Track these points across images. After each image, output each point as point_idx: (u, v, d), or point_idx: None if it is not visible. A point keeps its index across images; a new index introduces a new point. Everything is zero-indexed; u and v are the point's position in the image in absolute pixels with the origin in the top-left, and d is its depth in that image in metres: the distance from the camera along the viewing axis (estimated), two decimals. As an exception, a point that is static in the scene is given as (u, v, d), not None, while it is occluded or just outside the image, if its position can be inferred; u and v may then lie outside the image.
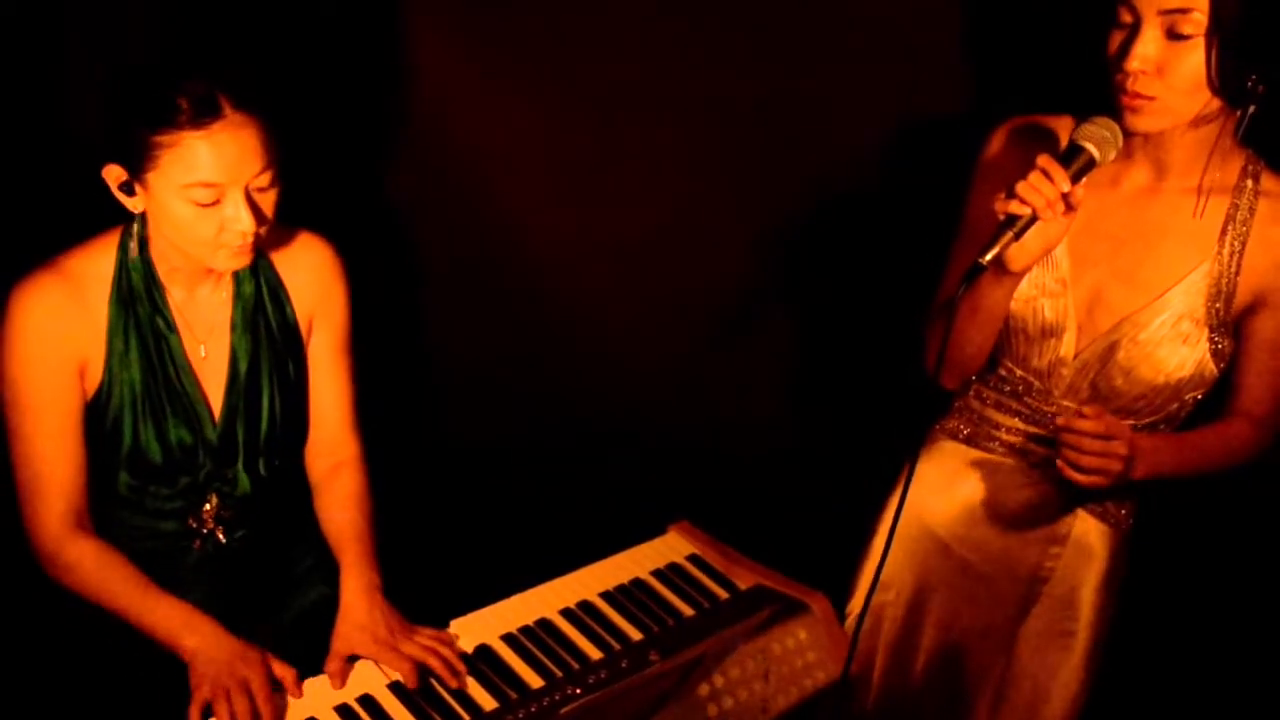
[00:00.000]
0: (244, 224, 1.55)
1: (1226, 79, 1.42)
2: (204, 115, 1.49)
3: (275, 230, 1.72)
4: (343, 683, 1.62)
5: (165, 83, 1.52)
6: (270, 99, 1.57)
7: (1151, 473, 1.59)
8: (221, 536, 1.77)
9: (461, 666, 1.65)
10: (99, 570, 1.64)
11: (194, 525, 1.75)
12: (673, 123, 2.22)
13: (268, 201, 1.59)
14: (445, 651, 1.65)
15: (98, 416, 1.67)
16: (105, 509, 1.72)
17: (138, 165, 1.54)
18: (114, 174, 1.58)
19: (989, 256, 1.42)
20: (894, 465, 1.91)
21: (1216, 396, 1.68)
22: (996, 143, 1.68)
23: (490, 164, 2.26)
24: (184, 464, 1.71)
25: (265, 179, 1.56)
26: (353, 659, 1.65)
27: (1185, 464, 1.64)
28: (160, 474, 1.70)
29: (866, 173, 2.20)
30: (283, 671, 1.58)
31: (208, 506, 1.75)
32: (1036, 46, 1.96)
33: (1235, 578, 2.02)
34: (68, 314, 1.62)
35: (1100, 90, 1.54)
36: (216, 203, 1.53)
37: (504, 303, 2.39)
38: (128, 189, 1.58)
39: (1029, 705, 1.80)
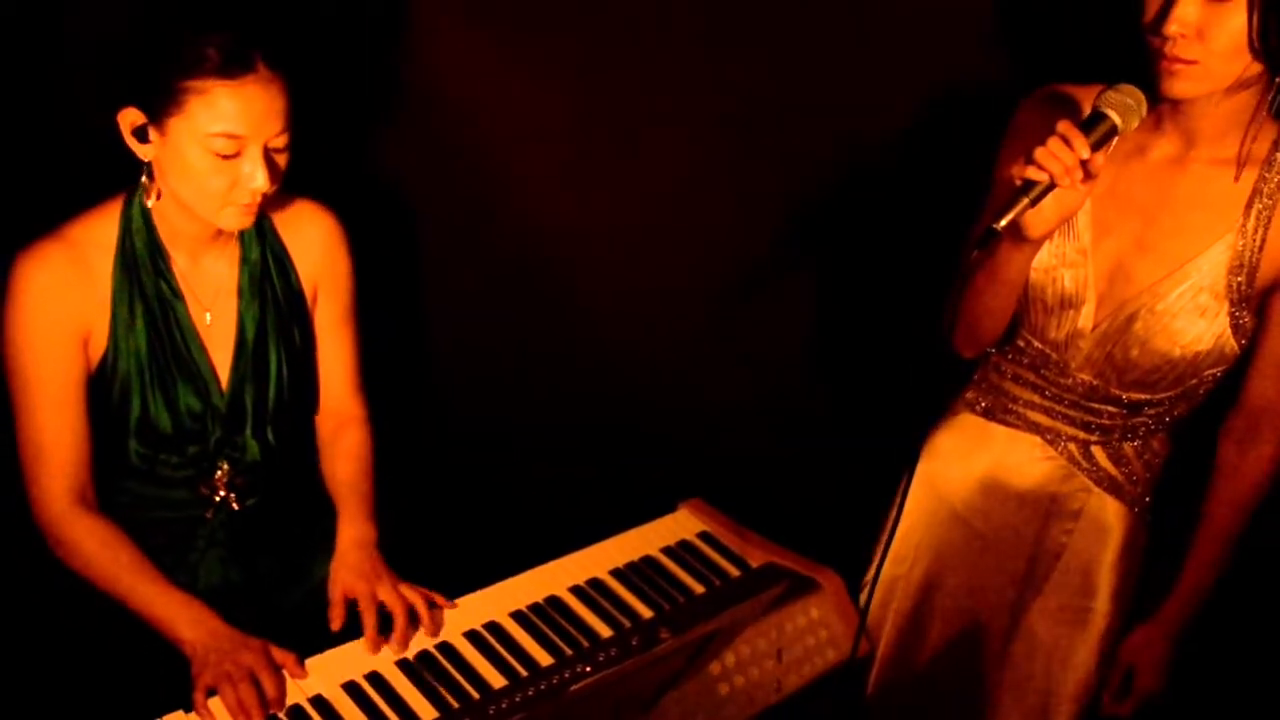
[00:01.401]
0: (258, 181, 1.55)
1: (1269, 40, 1.38)
2: (237, 67, 1.51)
3: (279, 197, 1.73)
4: (341, 624, 1.68)
5: (201, 30, 1.52)
6: (298, 61, 1.58)
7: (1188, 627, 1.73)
8: (234, 504, 1.76)
9: (409, 632, 1.64)
10: (101, 551, 1.63)
11: (205, 493, 1.74)
12: (678, 110, 2.18)
13: (281, 162, 1.59)
14: (420, 607, 1.66)
15: (104, 386, 1.65)
16: (116, 479, 1.71)
17: (161, 109, 1.53)
18: (130, 118, 1.57)
19: (1004, 222, 1.40)
20: (912, 439, 1.89)
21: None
22: (1026, 111, 1.65)
23: (496, 148, 2.23)
24: (193, 432, 1.70)
25: (283, 140, 1.58)
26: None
27: (1211, 584, 1.73)
28: (170, 442, 1.69)
29: (878, 148, 2.16)
30: (283, 657, 1.58)
31: (219, 474, 1.74)
32: (1069, 14, 1.91)
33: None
34: (71, 283, 1.61)
35: (1134, 59, 1.49)
36: (236, 155, 1.54)
37: (510, 285, 2.36)
38: (141, 134, 1.57)
39: (1042, 682, 1.78)
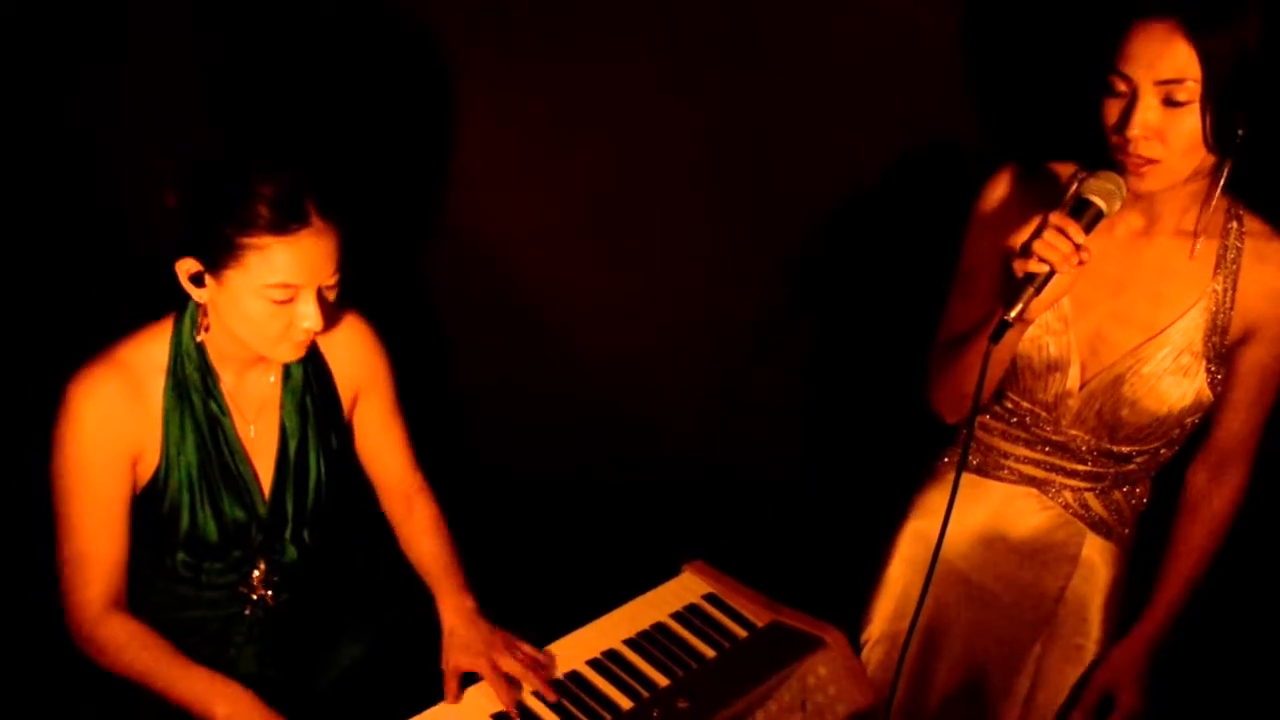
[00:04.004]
0: (312, 321, 1.60)
1: (1221, 135, 1.49)
2: (292, 221, 1.54)
3: None
4: (457, 699, 1.76)
5: (255, 185, 1.54)
6: (351, 206, 1.62)
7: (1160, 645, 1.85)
8: (270, 600, 1.82)
9: (550, 695, 1.76)
10: (131, 649, 1.68)
11: (243, 592, 1.80)
12: (679, 157, 2.29)
13: (331, 298, 1.65)
14: (534, 660, 1.79)
15: (155, 500, 1.70)
16: (157, 583, 1.76)
17: (218, 261, 1.57)
18: (187, 267, 1.61)
19: (1014, 314, 1.49)
20: (901, 494, 1.99)
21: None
22: (992, 191, 1.74)
23: (499, 202, 2.32)
24: (237, 539, 1.76)
25: (335, 278, 1.63)
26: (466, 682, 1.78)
27: (1182, 604, 1.85)
28: (215, 551, 1.74)
29: (870, 201, 2.25)
30: None
31: (256, 574, 1.80)
32: (1031, 90, 2.00)
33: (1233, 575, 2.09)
34: (124, 406, 1.65)
35: (1093, 137, 1.59)
36: (289, 301, 1.58)
37: (513, 338, 2.45)
38: (198, 280, 1.61)
39: (1048, 715, 1.89)
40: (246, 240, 1.53)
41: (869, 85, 2.12)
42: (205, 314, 1.67)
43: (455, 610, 1.86)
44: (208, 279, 1.60)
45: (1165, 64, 1.47)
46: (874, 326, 2.31)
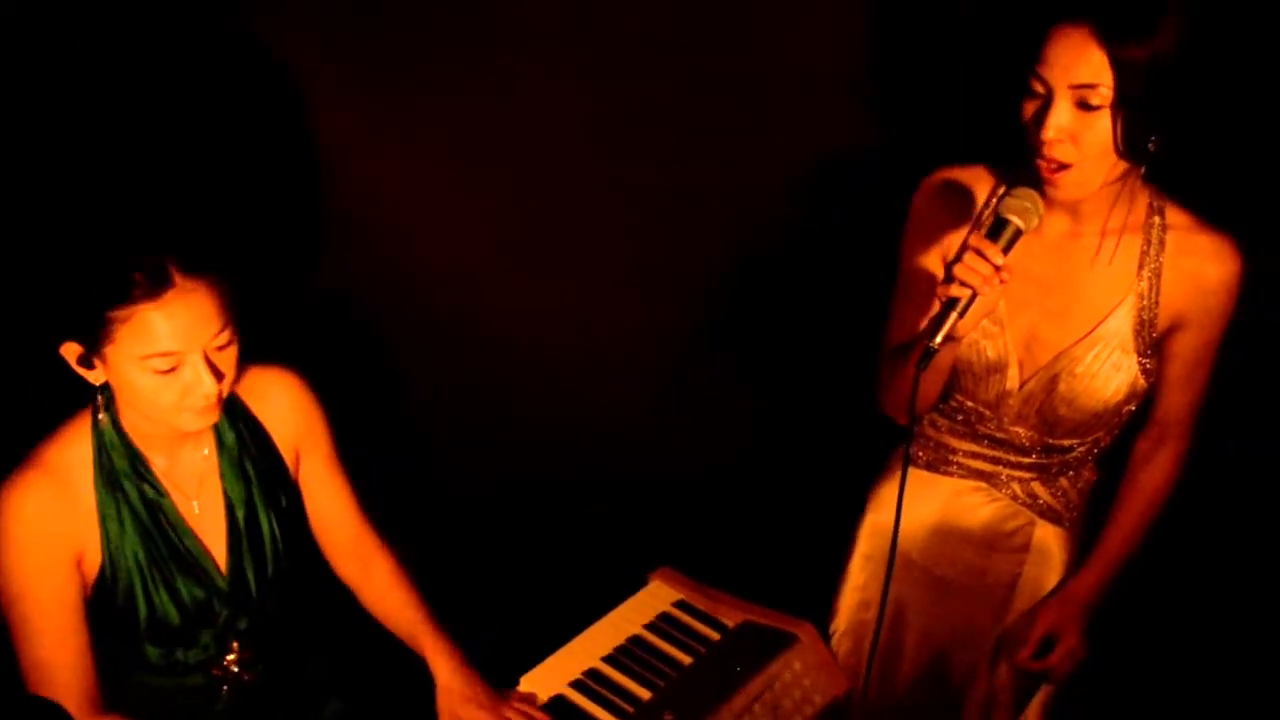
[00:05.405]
0: (206, 386, 1.56)
1: (1131, 143, 1.55)
2: (155, 287, 1.50)
3: (239, 372, 1.73)
4: None
5: (116, 259, 1.51)
6: (217, 260, 1.58)
7: (1100, 598, 1.89)
8: (245, 676, 1.80)
9: None
10: None
11: (219, 675, 1.78)
12: (614, 174, 2.30)
13: (227, 359, 1.60)
14: (539, 716, 1.79)
15: (107, 596, 1.67)
16: (132, 677, 1.74)
17: (94, 341, 1.54)
18: (71, 350, 1.58)
19: (939, 339, 1.54)
20: (859, 489, 2.06)
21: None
22: (921, 200, 1.80)
23: (431, 238, 2.31)
24: (201, 618, 1.73)
25: (223, 337, 1.58)
26: None
27: (1122, 560, 1.91)
28: (181, 634, 1.72)
29: (815, 198, 2.29)
30: None
31: (230, 656, 1.78)
32: (961, 92, 2.05)
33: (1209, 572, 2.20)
34: (57, 509, 1.62)
35: (1013, 141, 1.65)
36: (175, 369, 1.54)
37: (446, 359, 2.45)
38: (86, 363, 1.58)
39: (1013, 695, 1.97)
40: (113, 314, 1.50)
41: (803, 84, 2.16)
42: (109, 398, 1.64)
43: (446, 664, 1.85)
44: (95, 360, 1.57)
45: (1080, 69, 1.52)
46: (820, 325, 2.36)
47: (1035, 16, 1.57)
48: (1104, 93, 1.52)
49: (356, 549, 1.92)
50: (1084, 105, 1.53)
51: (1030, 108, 1.59)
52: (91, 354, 1.55)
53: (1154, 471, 1.89)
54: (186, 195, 2.01)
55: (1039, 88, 1.56)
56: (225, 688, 1.79)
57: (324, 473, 1.88)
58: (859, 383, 1.96)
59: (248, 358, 1.73)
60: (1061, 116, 1.54)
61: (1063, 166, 1.58)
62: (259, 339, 1.74)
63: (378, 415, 2.42)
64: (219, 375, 1.57)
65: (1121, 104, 1.51)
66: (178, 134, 2.20)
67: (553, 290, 2.38)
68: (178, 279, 1.51)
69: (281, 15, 2.23)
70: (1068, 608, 1.93)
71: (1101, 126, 1.54)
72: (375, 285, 2.34)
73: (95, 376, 1.59)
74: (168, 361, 1.52)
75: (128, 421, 1.66)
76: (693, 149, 2.28)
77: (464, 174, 2.29)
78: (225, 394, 1.61)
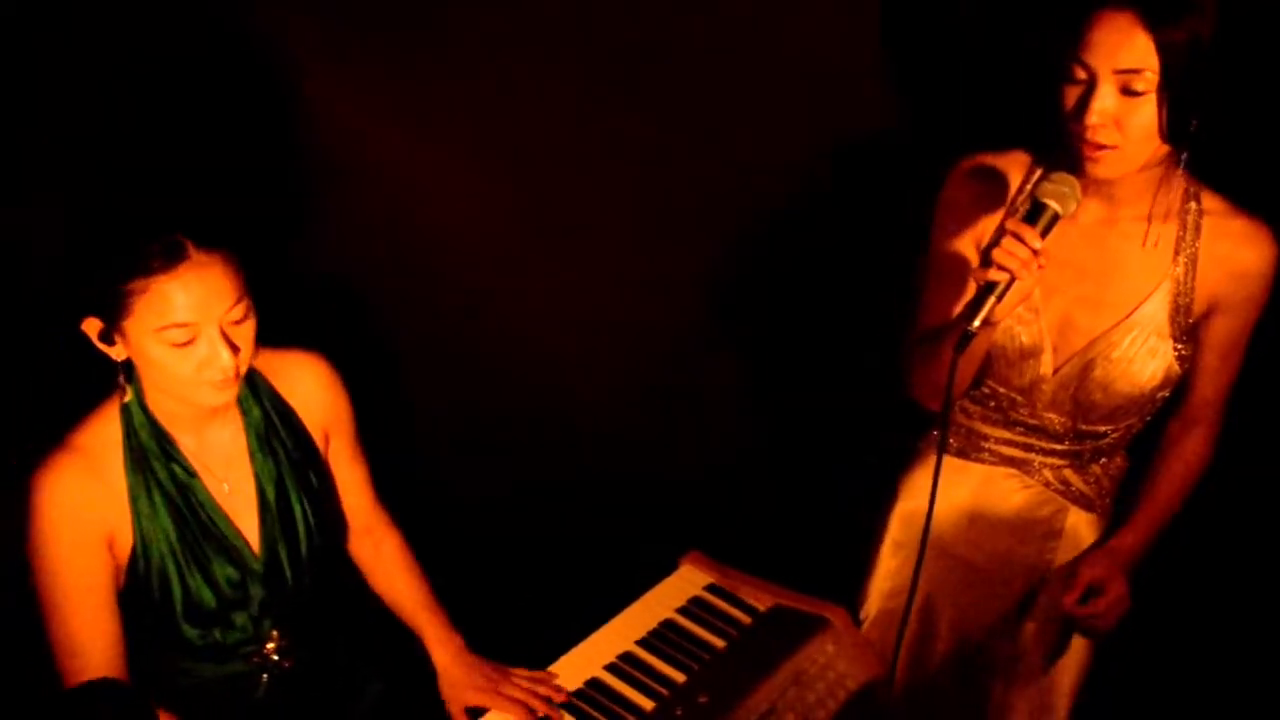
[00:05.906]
0: (222, 360, 1.58)
1: (1174, 126, 1.56)
2: (169, 259, 1.53)
3: (267, 354, 1.76)
4: None
5: (132, 233, 1.54)
6: (231, 233, 1.60)
7: (1140, 561, 1.87)
8: (285, 663, 1.81)
9: (561, 697, 1.82)
10: None
11: (259, 661, 1.79)
12: (619, 162, 2.30)
13: (244, 333, 1.62)
14: (544, 689, 1.82)
15: (141, 579, 1.68)
16: (178, 667, 1.75)
17: (112, 314, 1.56)
18: (93, 326, 1.60)
19: (977, 323, 1.55)
20: (887, 476, 2.07)
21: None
22: (953, 184, 1.80)
23: (439, 235, 2.31)
24: (236, 600, 1.74)
25: (238, 311, 1.60)
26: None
27: (1161, 526, 1.90)
28: (217, 616, 1.73)
29: (816, 193, 2.29)
30: None
31: (270, 645, 1.79)
32: (991, 77, 2.06)
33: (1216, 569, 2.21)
34: (88, 491, 1.63)
35: (1049, 126, 1.66)
36: (191, 341, 1.56)
37: (471, 365, 2.45)
38: (107, 338, 1.60)
39: (1044, 681, 1.99)
40: (129, 286, 1.53)
41: (805, 82, 2.16)
42: (131, 376, 1.66)
43: (446, 649, 1.90)
44: (115, 336, 1.59)
45: (1125, 54, 1.53)
46: (836, 315, 2.37)
47: (1078, 2, 1.58)
48: (1149, 78, 1.53)
49: (367, 524, 1.97)
50: (1128, 91, 1.54)
51: (1072, 93, 1.59)
52: (111, 329, 1.58)
53: (1185, 454, 1.90)
54: (197, 179, 2.01)
55: (1081, 73, 1.57)
56: (265, 675, 1.81)
57: (346, 453, 1.91)
58: (877, 373, 1.97)
59: (273, 343, 1.77)
60: (1106, 101, 1.55)
61: (1106, 148, 1.59)
62: (264, 330, 1.77)
63: (391, 411, 2.42)
64: (235, 349, 1.59)
65: (1166, 87, 1.53)
66: (188, 126, 2.21)
67: (565, 281, 2.38)
68: (192, 252, 1.54)
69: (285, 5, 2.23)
70: (1114, 556, 1.88)
71: (1146, 110, 1.55)
72: (375, 285, 2.34)
73: (117, 353, 1.61)
74: (184, 333, 1.55)
75: (153, 401, 1.68)
76: (693, 148, 2.28)
77: (464, 173, 2.29)
78: (244, 370, 1.63)
